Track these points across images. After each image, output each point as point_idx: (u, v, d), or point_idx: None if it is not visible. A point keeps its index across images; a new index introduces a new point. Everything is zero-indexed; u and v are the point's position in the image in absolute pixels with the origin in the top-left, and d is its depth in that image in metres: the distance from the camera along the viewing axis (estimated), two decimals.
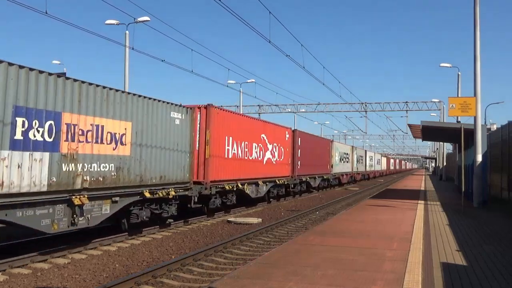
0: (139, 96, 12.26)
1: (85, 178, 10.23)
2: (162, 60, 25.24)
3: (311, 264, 7.28)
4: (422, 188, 32.31)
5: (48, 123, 9.33)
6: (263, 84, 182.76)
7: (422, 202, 19.83)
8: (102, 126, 10.81)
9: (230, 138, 17.51)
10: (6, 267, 8.96)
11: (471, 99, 16.56)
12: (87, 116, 10.39)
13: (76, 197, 9.90)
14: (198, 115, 15.83)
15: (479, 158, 17.22)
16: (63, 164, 9.67)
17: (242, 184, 18.34)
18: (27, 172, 8.83)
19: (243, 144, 18.70)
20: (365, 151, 58.89)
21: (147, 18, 23.27)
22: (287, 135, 25.25)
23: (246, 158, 18.99)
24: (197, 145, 15.65)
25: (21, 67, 8.78)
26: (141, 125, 12.24)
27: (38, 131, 9.10)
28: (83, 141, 10.21)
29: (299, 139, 26.99)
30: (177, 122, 14.00)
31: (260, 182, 20.24)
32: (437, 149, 64.64)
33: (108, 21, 24.46)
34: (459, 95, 34.52)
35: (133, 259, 10.17)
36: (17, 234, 11.83)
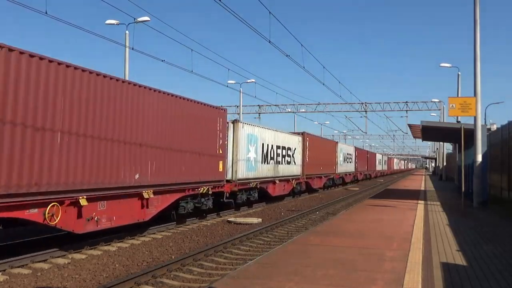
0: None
1: None
2: (162, 60, 25.24)
3: (311, 264, 7.27)
4: (422, 188, 32.30)
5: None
6: (263, 84, 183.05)
7: (422, 202, 19.83)
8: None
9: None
10: (6, 267, 8.96)
11: (471, 99, 16.56)
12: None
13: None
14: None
15: (479, 158, 17.22)
16: None
17: None
18: None
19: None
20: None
21: (147, 18, 23.26)
22: None
23: None
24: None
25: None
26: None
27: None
28: None
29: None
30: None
31: None
32: (437, 149, 64.63)
33: (108, 21, 24.45)
34: (459, 95, 34.53)
35: (133, 259, 10.16)
36: (17, 234, 11.82)
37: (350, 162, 45.04)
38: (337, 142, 39.67)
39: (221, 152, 16.49)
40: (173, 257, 10.48)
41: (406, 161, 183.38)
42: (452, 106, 16.53)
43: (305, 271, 6.83)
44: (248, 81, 39.89)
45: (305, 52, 63.13)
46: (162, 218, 13.84)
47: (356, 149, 50.11)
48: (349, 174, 44.87)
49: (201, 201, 15.28)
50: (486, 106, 59.54)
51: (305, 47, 30.52)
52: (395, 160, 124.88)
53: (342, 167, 40.54)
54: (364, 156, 55.42)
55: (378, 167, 72.29)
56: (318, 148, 31.29)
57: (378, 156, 73.92)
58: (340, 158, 39.46)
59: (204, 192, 15.18)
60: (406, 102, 45.07)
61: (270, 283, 6.13)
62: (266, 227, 14.65)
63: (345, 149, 42.95)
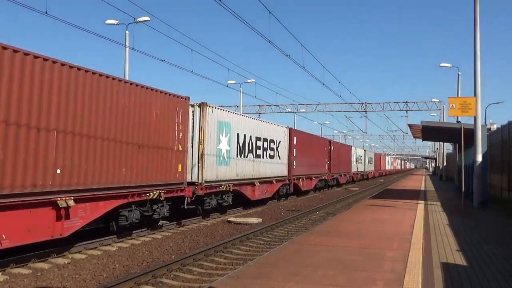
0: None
1: None
2: (162, 60, 25.28)
3: (311, 264, 7.27)
4: (422, 188, 32.30)
5: None
6: (263, 84, 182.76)
7: (422, 202, 19.82)
8: None
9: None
10: (6, 267, 8.96)
11: (471, 99, 16.56)
12: None
13: None
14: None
15: (479, 158, 17.22)
16: None
17: None
18: None
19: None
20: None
21: (147, 18, 23.27)
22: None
23: None
24: None
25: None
26: None
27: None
28: None
29: None
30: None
31: None
32: (437, 149, 64.64)
33: (108, 21, 24.46)
34: (459, 95, 34.53)
35: (133, 259, 10.16)
36: None
37: (272, 157, 22.34)
38: (201, 105, 15.74)
39: None
40: (173, 257, 10.48)
41: (403, 161, 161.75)
42: (452, 106, 16.54)
43: (305, 271, 6.83)
44: (248, 81, 39.90)
45: (305, 52, 63.17)
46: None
47: (293, 132, 26.24)
48: (266, 183, 21.42)
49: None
50: (486, 106, 59.80)
51: (305, 47, 30.50)
52: (387, 158, 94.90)
53: (228, 168, 17.55)
54: (316, 147, 31.03)
55: (357, 167, 50.20)
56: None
57: (357, 151, 50.73)
58: (223, 144, 17.11)
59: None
60: (406, 102, 45.09)
61: (270, 283, 6.13)
62: (266, 227, 14.64)
63: (243, 124, 19.04)
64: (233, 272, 7.03)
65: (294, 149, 25.96)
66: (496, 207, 17.82)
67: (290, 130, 25.78)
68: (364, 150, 58.16)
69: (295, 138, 26.26)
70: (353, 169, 47.59)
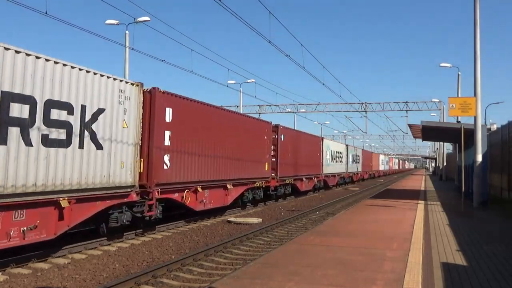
0: None
1: None
2: (162, 60, 25.29)
3: (312, 264, 7.27)
4: (422, 188, 32.31)
5: None
6: (263, 84, 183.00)
7: (422, 202, 19.82)
8: None
9: None
10: (6, 267, 8.96)
11: (471, 99, 16.56)
12: None
13: None
14: None
15: (479, 158, 17.22)
16: None
17: None
18: None
19: None
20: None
21: (147, 18, 23.27)
22: None
23: None
24: None
25: None
26: None
27: None
28: None
29: None
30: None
31: None
32: (437, 149, 64.65)
33: (108, 21, 24.46)
34: (459, 95, 34.53)
35: (133, 259, 10.16)
36: None
37: (66, 144, 9.45)
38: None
39: None
40: (173, 257, 10.47)
41: (401, 160, 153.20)
42: (452, 106, 16.54)
43: (305, 271, 6.83)
44: (248, 81, 39.87)
45: (305, 52, 63.14)
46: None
47: (162, 98, 12.68)
48: (36, 206, 8.78)
49: None
50: (486, 106, 59.67)
51: (305, 47, 30.48)
52: (381, 157, 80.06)
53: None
54: (239, 133, 18.33)
55: (334, 168, 37.77)
56: None
57: (332, 146, 37.50)
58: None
59: None
60: (406, 102, 45.10)
61: (270, 283, 6.13)
62: (266, 227, 14.64)
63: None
64: (233, 272, 7.03)
65: (168, 133, 13.17)
66: (496, 207, 17.82)
67: (154, 91, 12.56)
68: (346, 145, 45.16)
69: (169, 110, 13.22)
70: (326, 170, 34.56)
